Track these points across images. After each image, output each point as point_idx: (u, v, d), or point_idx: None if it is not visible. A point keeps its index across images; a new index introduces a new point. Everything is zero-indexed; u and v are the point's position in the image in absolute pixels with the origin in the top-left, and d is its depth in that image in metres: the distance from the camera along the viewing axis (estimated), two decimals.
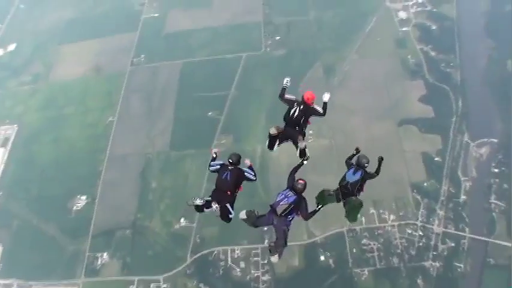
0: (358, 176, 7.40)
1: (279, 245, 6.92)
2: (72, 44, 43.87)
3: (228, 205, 7.15)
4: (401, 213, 34.34)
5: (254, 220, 6.96)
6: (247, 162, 7.93)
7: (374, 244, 34.25)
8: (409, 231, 35.33)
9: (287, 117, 8.12)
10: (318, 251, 34.17)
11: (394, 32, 42.87)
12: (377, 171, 7.74)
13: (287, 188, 7.14)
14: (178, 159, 36.91)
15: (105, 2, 47.22)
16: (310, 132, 38.92)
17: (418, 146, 37.39)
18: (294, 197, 6.77)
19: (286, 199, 6.74)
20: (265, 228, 35.12)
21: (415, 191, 34.78)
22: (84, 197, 35.50)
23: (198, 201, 6.83)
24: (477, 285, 32.48)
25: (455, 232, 34.38)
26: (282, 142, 8.33)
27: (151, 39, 43.14)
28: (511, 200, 34.74)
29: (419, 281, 33.26)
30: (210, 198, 7.18)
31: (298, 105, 8.06)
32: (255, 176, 7.48)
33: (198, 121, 38.66)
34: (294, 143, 8.19)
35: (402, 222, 34.38)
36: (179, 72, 40.68)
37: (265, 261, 33.85)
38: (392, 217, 34.74)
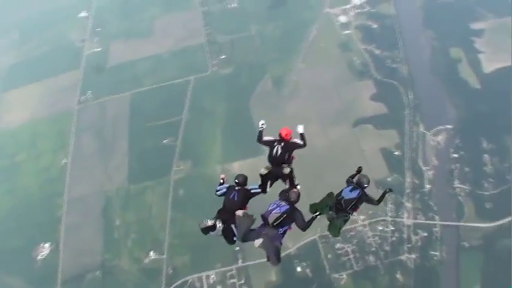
0: (354, 194, 7.83)
1: (273, 263, 7.43)
2: (16, 90, 46.58)
3: (233, 226, 7.62)
4: (370, 212, 38.36)
5: (247, 229, 7.34)
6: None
7: (348, 247, 38.25)
8: (381, 228, 39.55)
9: (271, 158, 8.86)
10: (293, 263, 37.73)
11: (336, 36, 48.83)
12: (379, 200, 8.19)
13: (280, 198, 7.64)
14: (139, 193, 39.90)
15: (45, 43, 50.74)
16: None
17: (375, 143, 42.37)
18: (287, 206, 7.11)
19: (278, 208, 7.07)
20: (237, 248, 37.78)
21: (380, 187, 38.22)
22: (47, 244, 37.35)
23: (210, 222, 7.38)
24: (455, 270, 36.98)
25: (426, 222, 38.84)
26: (273, 182, 9.01)
27: (96, 74, 46.57)
28: (475, 181, 40.14)
29: (398, 276, 37.17)
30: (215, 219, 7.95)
31: (279, 143, 8.80)
32: (259, 188, 8.31)
33: (153, 151, 41.99)
34: (283, 180, 8.97)
35: (372, 220, 38.68)
36: (128, 104, 44.33)
37: (242, 281, 37.05)
38: (362, 217, 38.77)
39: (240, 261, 36.08)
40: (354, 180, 8.39)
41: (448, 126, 43.33)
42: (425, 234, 38.29)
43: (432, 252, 37.65)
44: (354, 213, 8.25)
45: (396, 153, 41.65)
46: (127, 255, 37.54)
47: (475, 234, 38.68)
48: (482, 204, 39.71)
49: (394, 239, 38.36)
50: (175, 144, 41.78)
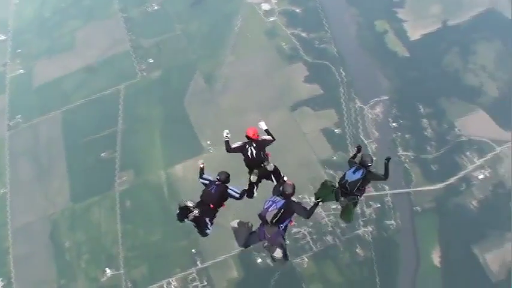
0: (358, 175, 8.36)
1: (281, 262, 8.19)
2: None
3: (207, 219, 8.63)
4: None
5: (246, 235, 8.09)
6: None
7: (304, 230, 42.46)
8: (334, 207, 43.02)
9: (249, 161, 9.78)
10: (252, 255, 41.21)
11: (262, 24, 54.19)
12: (386, 174, 8.55)
13: (273, 193, 8.59)
14: (85, 211, 42.65)
15: None
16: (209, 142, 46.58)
17: (316, 124, 47.05)
18: (283, 201, 7.79)
19: (274, 204, 7.74)
20: (194, 250, 41.28)
21: (326, 167, 43.95)
22: None
23: (189, 203, 8.51)
24: (412, 236, 41.78)
25: (376, 193, 43.38)
26: (258, 185, 9.98)
27: (23, 96, 48.75)
28: (418, 147, 45.70)
29: (358, 250, 41.33)
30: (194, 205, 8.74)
31: (250, 145, 9.70)
32: (239, 194, 9.09)
33: (93, 166, 44.71)
34: (268, 179, 9.92)
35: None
36: (60, 122, 46.78)
37: (205, 283, 40.17)
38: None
39: (199, 263, 39.45)
40: (356, 160, 8.95)
41: (384, 98, 48.93)
42: (378, 205, 42.99)
43: (387, 222, 42.24)
44: (363, 194, 8.94)
45: (337, 131, 46.72)
46: (83, 276, 39.43)
47: (426, 198, 43.87)
48: (428, 167, 45.14)
49: None
50: (114, 156, 44.95)
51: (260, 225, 8.26)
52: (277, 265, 9.31)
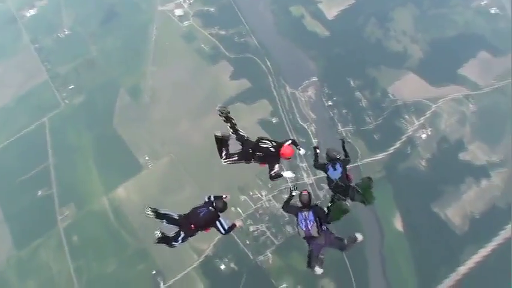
0: (339, 169, 11.29)
1: (344, 248, 10.73)
2: None
3: (182, 234, 10.91)
4: (269, 185, 51.35)
5: (316, 263, 10.54)
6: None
7: (262, 226, 49.70)
8: (286, 197, 58.39)
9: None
10: (215, 263, 47.83)
11: (178, 30, 63.31)
12: (346, 155, 11.55)
13: (298, 213, 10.73)
14: (31, 255, 47.78)
15: None
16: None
17: (251, 118, 54.81)
18: (310, 211, 10.55)
19: (308, 221, 10.50)
20: (153, 272, 48.48)
21: None
22: None
23: (149, 214, 11.21)
24: (371, 207, 46.89)
25: (325, 174, 59.00)
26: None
27: None
28: (357, 119, 55.92)
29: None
30: (173, 215, 11.05)
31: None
32: (224, 231, 11.20)
33: (31, 207, 49.49)
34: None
35: (275, 192, 51.25)
36: None
37: None
38: (263, 192, 51.22)
39: (161, 284, 46.04)
40: (324, 160, 11.45)
41: (313, 79, 58.20)
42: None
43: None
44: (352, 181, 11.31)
45: (274, 120, 55.50)
46: None
47: (375, 168, 52.21)
48: (371, 137, 54.27)
49: None
50: (51, 193, 50.52)
51: (313, 243, 10.54)
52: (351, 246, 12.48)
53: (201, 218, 11.31)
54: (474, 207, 50.40)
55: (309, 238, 10.91)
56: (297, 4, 65.42)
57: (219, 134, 12.71)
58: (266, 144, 11.85)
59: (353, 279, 47.69)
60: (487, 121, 55.40)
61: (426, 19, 62.93)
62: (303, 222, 11.01)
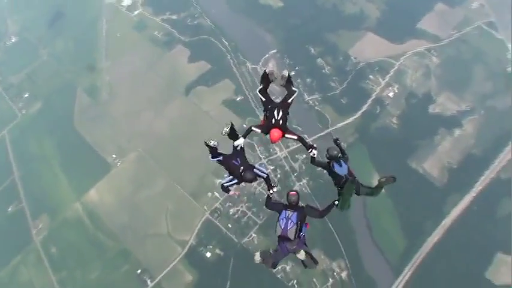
0: (345, 165, 11.25)
1: (312, 267, 10.14)
2: None
3: (219, 157, 11.64)
4: None
5: (271, 259, 10.01)
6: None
7: (241, 207, 48.75)
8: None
9: None
10: (200, 252, 46.85)
11: (128, 21, 61.26)
12: (343, 152, 12.02)
13: (282, 210, 10.26)
14: (12, 274, 47.48)
15: None
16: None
17: (215, 99, 53.70)
18: (295, 213, 10.04)
19: (290, 221, 9.97)
20: (139, 271, 46.71)
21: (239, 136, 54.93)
22: None
23: (213, 143, 11.46)
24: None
25: (297, 145, 50.43)
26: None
27: None
28: (322, 87, 54.56)
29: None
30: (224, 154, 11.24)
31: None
32: (226, 180, 11.41)
33: (4, 225, 48.39)
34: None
35: None
36: None
37: None
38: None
39: (148, 281, 45.00)
40: (326, 159, 11.46)
41: (273, 52, 56.94)
42: (304, 156, 49.20)
43: (319, 169, 54.58)
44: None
45: (238, 98, 54.21)
46: None
47: (347, 132, 51.62)
48: (339, 102, 53.37)
49: (279, 176, 48.84)
50: (22, 207, 49.06)
51: (281, 244, 9.94)
52: (310, 267, 11.73)
53: (231, 162, 11.99)
54: (450, 158, 49.99)
55: (283, 238, 10.34)
56: None
57: (269, 69, 12.47)
58: (277, 115, 12.27)
59: (342, 247, 47.11)
60: (451, 71, 54.99)
61: None
62: (284, 221, 10.47)
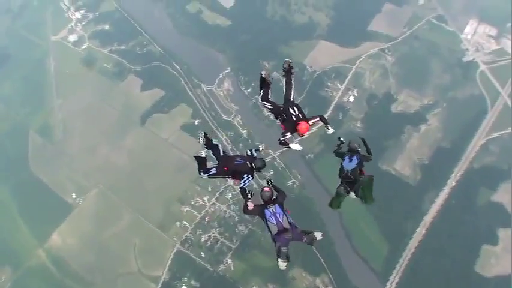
0: (355, 162, 11.06)
1: (311, 242, 10.15)
2: None
3: (213, 170, 11.32)
4: (209, 188, 47.71)
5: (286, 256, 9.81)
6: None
7: (213, 233, 46.06)
8: (230, 196, 46.79)
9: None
10: (174, 286, 44.45)
11: (76, 56, 59.37)
12: (368, 151, 11.24)
13: (264, 210, 10.25)
14: None
15: None
16: None
17: (173, 125, 51.64)
18: (276, 205, 10.26)
19: (277, 214, 10.13)
20: None
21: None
22: None
23: (203, 153, 11.41)
24: (319, 183, 47.66)
25: (265, 159, 56.62)
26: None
27: None
28: (281, 101, 60.68)
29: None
30: (220, 148, 11.54)
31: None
32: (243, 186, 11.12)
33: None
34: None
35: (217, 194, 47.47)
36: None
37: None
38: (205, 198, 47.40)
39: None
40: (343, 149, 11.24)
41: (226, 71, 55.19)
42: (271, 171, 47.90)
43: (289, 183, 47.53)
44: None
45: (197, 122, 51.86)
46: None
47: (313, 142, 49.66)
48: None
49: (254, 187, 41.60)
50: None
51: (282, 237, 9.96)
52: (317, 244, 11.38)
53: (234, 165, 11.46)
54: (421, 154, 48.66)
55: (282, 231, 10.31)
56: (192, 1, 63.02)
57: (264, 72, 12.75)
58: (294, 112, 11.93)
59: (322, 261, 45.10)
60: (408, 68, 53.93)
61: None
62: (273, 217, 10.48)
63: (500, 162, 46.08)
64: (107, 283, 45.26)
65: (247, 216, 43.53)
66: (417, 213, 45.22)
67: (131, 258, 46.55)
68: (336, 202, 12.10)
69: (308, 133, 11.78)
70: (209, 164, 11.77)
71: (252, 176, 11.25)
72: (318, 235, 10.33)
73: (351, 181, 11.41)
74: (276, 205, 10.38)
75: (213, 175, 11.64)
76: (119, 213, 48.62)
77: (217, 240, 46.50)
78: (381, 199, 38.80)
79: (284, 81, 12.43)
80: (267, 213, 10.30)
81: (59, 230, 48.47)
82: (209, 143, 11.86)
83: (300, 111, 11.54)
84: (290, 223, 10.25)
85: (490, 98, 50.03)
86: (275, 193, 10.89)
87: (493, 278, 41.88)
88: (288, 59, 12.31)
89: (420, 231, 44.84)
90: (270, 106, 12.04)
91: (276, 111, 11.82)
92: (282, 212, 10.22)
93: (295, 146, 11.70)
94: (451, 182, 46.24)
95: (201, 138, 11.85)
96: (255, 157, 11.48)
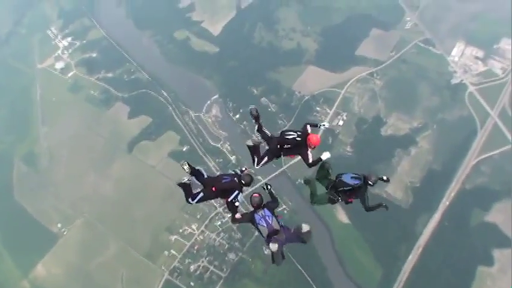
0: (352, 182, 10.72)
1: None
2: None
3: (201, 195, 10.78)
4: (198, 216, 46.80)
5: (281, 254, 9.99)
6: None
7: (202, 262, 44.69)
8: (219, 223, 45.62)
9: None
10: None
11: (62, 84, 58.48)
12: (370, 208, 11.07)
13: (253, 216, 10.20)
14: None
15: None
16: None
17: (160, 153, 51.04)
18: (264, 208, 10.17)
19: (267, 217, 10.09)
20: None
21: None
22: None
23: (186, 168, 10.97)
24: (310, 208, 46.48)
25: (252, 188, 55.05)
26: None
27: None
28: (270, 125, 60.19)
29: (266, 252, 42.47)
30: (203, 173, 11.02)
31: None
32: (233, 200, 10.83)
33: None
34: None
35: (206, 222, 46.29)
36: None
37: None
38: (194, 226, 46.32)
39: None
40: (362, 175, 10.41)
41: (215, 97, 54.47)
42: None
43: (280, 209, 43.71)
44: (342, 201, 11.28)
45: (185, 149, 50.94)
46: None
47: (301, 169, 44.02)
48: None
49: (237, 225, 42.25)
50: None
51: (273, 239, 9.99)
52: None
53: (222, 184, 11.05)
54: (412, 177, 47.79)
55: (272, 233, 10.33)
56: (179, 29, 63.07)
57: (250, 142, 12.36)
58: (291, 135, 11.59)
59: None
60: (397, 91, 53.53)
61: (311, 11, 61.84)
62: (263, 220, 10.50)
63: (492, 183, 45.20)
64: None
65: (236, 244, 45.14)
66: (410, 236, 44.07)
67: None
68: (314, 196, 12.02)
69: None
70: (195, 190, 11.35)
71: (241, 191, 11.02)
72: (305, 227, 10.17)
73: (334, 185, 11.30)
74: (265, 209, 10.28)
75: (202, 199, 11.22)
76: (105, 243, 46.91)
77: (207, 269, 44.97)
78: (373, 223, 41.53)
79: (257, 127, 12.08)
80: (257, 217, 10.23)
81: (43, 261, 46.62)
82: (194, 171, 11.32)
83: (293, 131, 11.80)
84: (281, 225, 10.18)
85: (480, 118, 49.48)
86: (265, 201, 10.71)
87: None
88: (253, 106, 12.21)
89: (414, 255, 43.70)
90: (266, 159, 12.18)
91: (274, 153, 12.05)
92: (271, 215, 10.14)
93: (325, 155, 11.60)
94: (444, 204, 45.53)
95: (186, 167, 11.24)
96: (241, 173, 11.24)
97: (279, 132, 11.68)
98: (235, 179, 10.98)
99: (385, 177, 11.12)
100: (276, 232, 10.18)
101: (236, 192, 11.02)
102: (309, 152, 11.25)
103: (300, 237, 10.25)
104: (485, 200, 44.52)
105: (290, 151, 11.60)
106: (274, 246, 9.92)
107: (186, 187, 11.18)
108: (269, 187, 11.26)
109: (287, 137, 11.35)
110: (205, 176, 11.34)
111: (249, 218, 10.55)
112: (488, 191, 44.93)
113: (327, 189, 11.71)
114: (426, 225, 44.50)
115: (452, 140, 48.58)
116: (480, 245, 42.33)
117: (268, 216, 10.30)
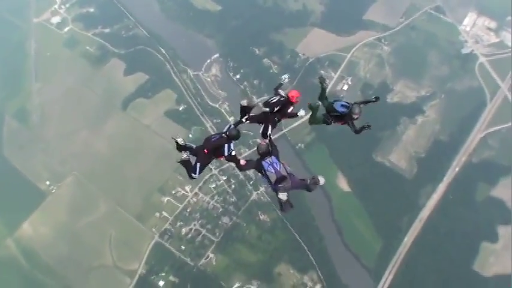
0: (341, 109, 10.69)
1: (288, 210, 9.77)
2: None
3: (198, 164, 10.19)
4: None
5: (289, 203, 9.61)
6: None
7: (194, 225, 41.97)
8: (213, 186, 42.93)
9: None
10: (151, 281, 40.41)
11: (58, 38, 54.98)
12: (358, 130, 10.86)
13: (261, 162, 9.83)
14: None
15: None
16: None
17: (156, 111, 47.55)
18: (272, 156, 9.79)
19: (275, 164, 9.69)
20: None
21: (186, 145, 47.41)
22: None
23: (180, 140, 10.21)
24: (309, 174, 50.57)
25: (249, 151, 45.50)
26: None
27: None
28: (268, 89, 53.66)
29: (262, 217, 42.11)
30: (193, 146, 10.35)
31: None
32: (227, 153, 10.32)
33: None
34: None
35: (200, 184, 43.58)
36: None
37: None
38: (188, 188, 43.59)
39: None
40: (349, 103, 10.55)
41: (215, 56, 50.94)
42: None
43: None
44: (333, 123, 10.97)
45: (181, 108, 47.97)
46: None
47: (303, 131, 46.88)
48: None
49: (233, 186, 43.46)
50: None
51: (283, 184, 9.76)
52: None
53: (212, 143, 10.75)
54: (417, 147, 45.04)
55: (280, 179, 9.92)
56: None
57: (245, 102, 11.79)
58: (274, 98, 11.51)
59: (311, 257, 41.29)
60: (405, 58, 50.07)
61: None
62: (271, 167, 10.11)
63: (499, 157, 42.73)
64: (79, 277, 41.44)
65: (231, 207, 43.74)
66: (413, 208, 41.62)
67: (106, 250, 42.37)
68: (313, 117, 11.64)
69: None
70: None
71: (230, 144, 10.38)
72: (322, 180, 9.95)
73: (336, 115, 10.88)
74: (273, 156, 9.94)
75: (201, 168, 10.55)
76: (95, 202, 44.37)
77: (199, 233, 42.35)
78: (374, 192, 38.79)
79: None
80: (265, 164, 9.85)
81: (30, 219, 43.93)
82: (184, 147, 10.60)
83: (272, 97, 11.38)
84: (288, 172, 9.77)
85: (489, 90, 46.49)
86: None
87: (492, 277, 38.25)
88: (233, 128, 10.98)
89: (416, 227, 41.31)
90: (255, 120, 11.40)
91: (265, 118, 11.29)
92: (278, 162, 9.77)
93: (301, 113, 11.50)
94: (449, 176, 42.77)
95: (180, 140, 10.59)
96: (229, 128, 10.51)
97: (262, 105, 11.38)
98: (224, 134, 10.59)
99: (374, 97, 11.49)
100: (283, 178, 9.80)
101: (226, 146, 10.59)
102: (291, 107, 11.16)
103: (307, 185, 9.94)
104: (492, 174, 41.91)
105: (281, 112, 11.26)
106: (284, 196, 9.62)
107: (187, 163, 10.74)
108: (270, 135, 10.85)
109: (273, 101, 11.20)
110: (194, 146, 10.84)
111: (255, 165, 10.20)
112: (495, 165, 42.32)
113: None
114: (430, 197, 41.82)
115: (461, 110, 45.53)
116: (485, 221, 39.76)
117: (276, 163, 9.92)
